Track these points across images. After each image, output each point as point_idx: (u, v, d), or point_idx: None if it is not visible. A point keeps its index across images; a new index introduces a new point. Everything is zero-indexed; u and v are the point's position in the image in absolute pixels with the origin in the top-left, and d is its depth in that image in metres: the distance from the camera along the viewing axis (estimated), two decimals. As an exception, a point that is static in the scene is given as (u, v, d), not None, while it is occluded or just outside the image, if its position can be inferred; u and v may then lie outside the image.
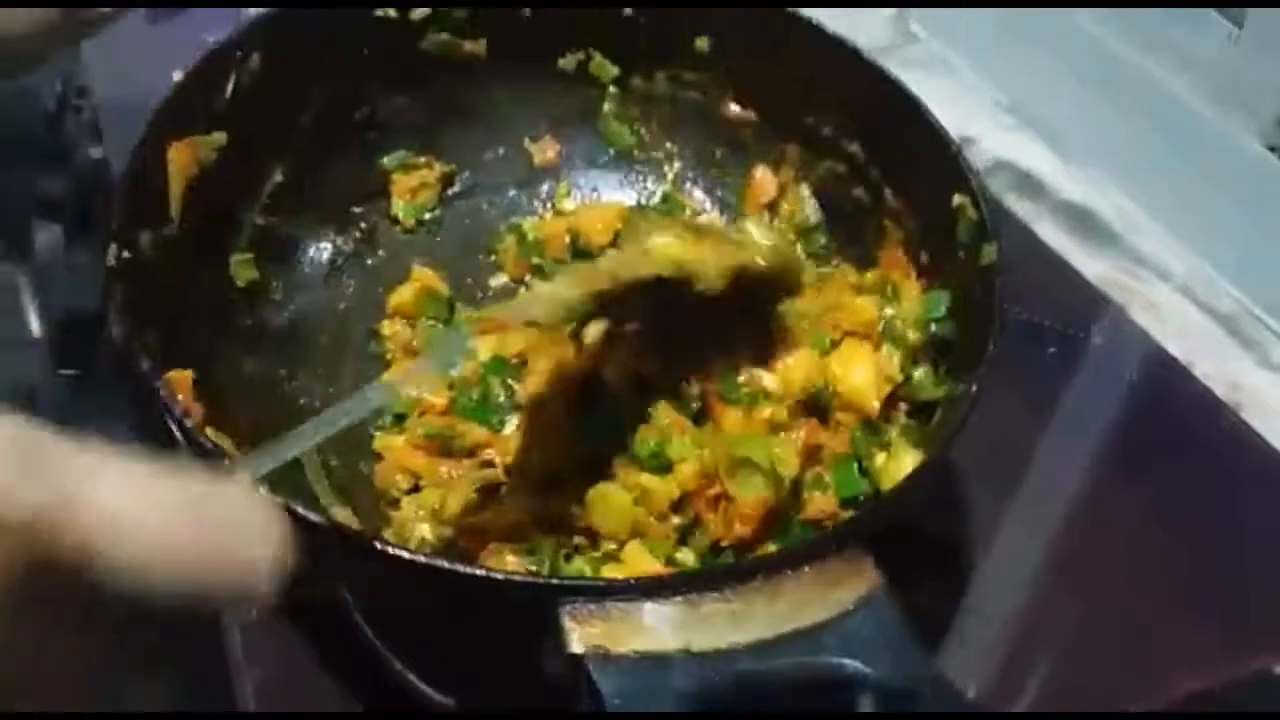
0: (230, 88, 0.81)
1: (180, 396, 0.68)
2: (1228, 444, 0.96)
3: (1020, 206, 1.14)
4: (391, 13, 0.88)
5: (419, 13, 0.88)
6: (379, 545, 0.56)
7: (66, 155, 1.07)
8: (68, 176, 1.06)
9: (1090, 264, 1.09)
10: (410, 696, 0.76)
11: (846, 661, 0.50)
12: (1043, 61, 1.18)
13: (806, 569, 0.53)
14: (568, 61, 0.93)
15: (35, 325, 0.98)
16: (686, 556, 0.75)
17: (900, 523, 0.63)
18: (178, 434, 0.65)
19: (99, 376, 0.92)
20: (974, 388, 0.68)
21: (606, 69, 0.94)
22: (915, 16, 1.31)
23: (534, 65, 0.93)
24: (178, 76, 0.79)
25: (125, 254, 0.70)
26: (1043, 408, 0.97)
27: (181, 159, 0.77)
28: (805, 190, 0.92)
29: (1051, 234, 1.11)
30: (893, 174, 0.86)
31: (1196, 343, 1.03)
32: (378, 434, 0.84)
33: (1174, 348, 1.02)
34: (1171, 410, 0.98)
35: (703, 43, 0.91)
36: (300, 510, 0.55)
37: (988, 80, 1.24)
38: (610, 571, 0.73)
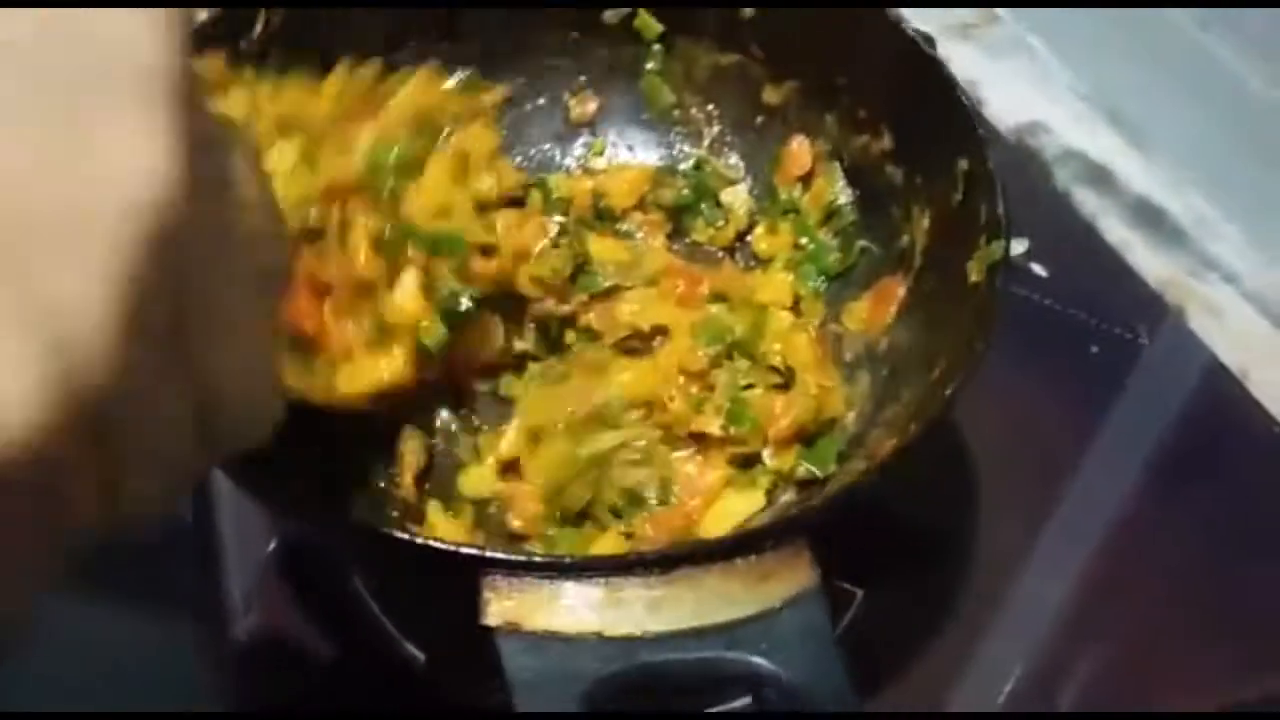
0: (259, 28, 0.80)
1: None
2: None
3: (1087, 199, 1.10)
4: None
5: None
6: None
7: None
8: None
9: (1153, 263, 1.05)
10: (389, 644, 0.76)
11: (759, 661, 0.49)
12: (1126, 51, 1.15)
13: (738, 561, 0.51)
14: (613, 15, 0.91)
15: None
16: None
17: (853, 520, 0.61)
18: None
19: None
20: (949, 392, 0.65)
21: (651, 26, 0.91)
22: (1001, -4, 1.27)
23: (579, 15, 0.91)
24: (203, 16, 0.78)
25: None
26: (1081, 409, 0.94)
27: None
28: (837, 168, 0.89)
29: (1116, 229, 1.08)
30: (921, 159, 0.83)
31: (1258, 353, 0.99)
32: None
33: (1231, 355, 0.98)
34: (1220, 422, 0.95)
35: (749, 11, 0.89)
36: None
37: (1067, 66, 1.20)
38: None
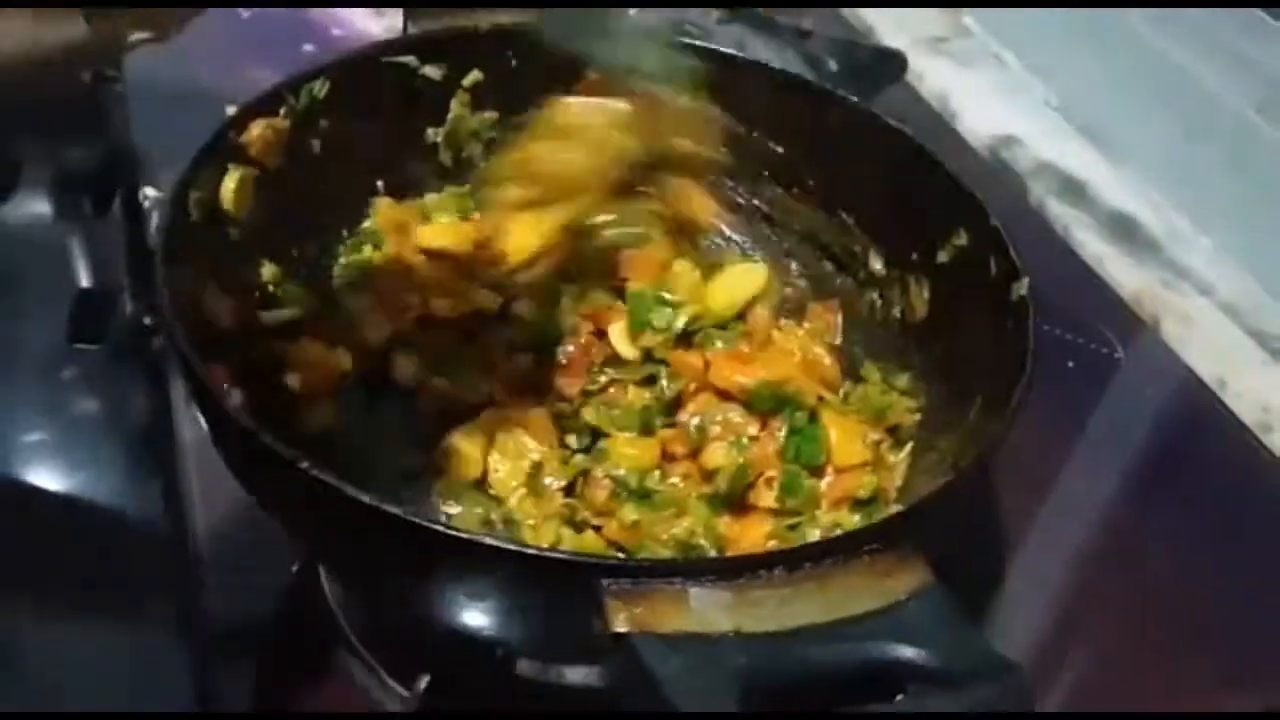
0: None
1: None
2: (1254, 468, 0.95)
3: (1060, 211, 1.11)
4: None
5: None
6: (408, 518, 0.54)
7: (96, 128, 1.07)
8: (97, 149, 1.06)
9: (1127, 274, 1.07)
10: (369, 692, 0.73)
11: (902, 647, 0.49)
12: (1097, 63, 1.16)
13: (856, 561, 0.52)
14: None
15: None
16: None
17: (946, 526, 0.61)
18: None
19: (118, 350, 0.91)
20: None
21: None
22: (969, 10, 1.28)
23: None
24: (231, 110, 0.77)
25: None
26: (1059, 424, 0.94)
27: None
28: None
29: (1091, 242, 1.09)
30: (916, 244, 0.85)
31: (1232, 362, 1.01)
32: None
33: (1207, 364, 1.00)
34: (1196, 432, 0.97)
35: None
36: (342, 488, 0.53)
37: (1038, 79, 1.22)
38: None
